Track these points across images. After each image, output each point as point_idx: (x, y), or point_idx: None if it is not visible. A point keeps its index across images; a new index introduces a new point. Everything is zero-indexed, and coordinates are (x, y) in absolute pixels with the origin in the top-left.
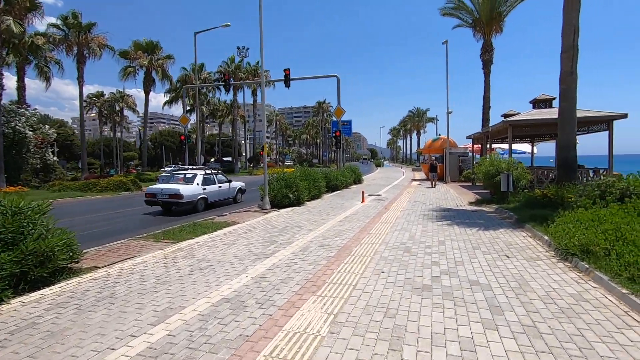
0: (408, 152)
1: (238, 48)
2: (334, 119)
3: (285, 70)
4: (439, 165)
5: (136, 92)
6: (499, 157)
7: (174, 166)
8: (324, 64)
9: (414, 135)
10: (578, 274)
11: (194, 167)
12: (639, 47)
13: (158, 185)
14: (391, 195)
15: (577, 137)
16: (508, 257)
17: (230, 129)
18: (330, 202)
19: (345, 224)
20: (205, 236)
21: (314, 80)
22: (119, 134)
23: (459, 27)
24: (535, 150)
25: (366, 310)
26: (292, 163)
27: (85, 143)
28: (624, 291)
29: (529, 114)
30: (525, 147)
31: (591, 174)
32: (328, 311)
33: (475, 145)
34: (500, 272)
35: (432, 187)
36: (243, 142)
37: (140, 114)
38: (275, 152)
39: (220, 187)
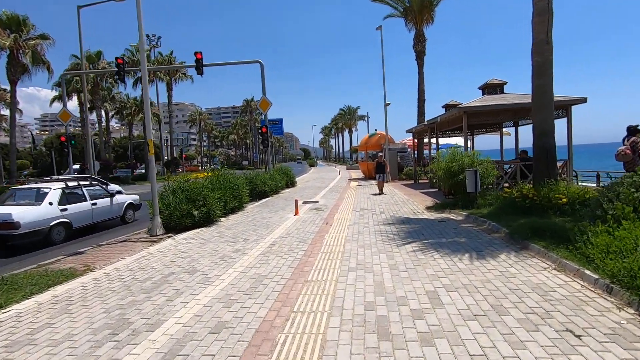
0: (341, 150)
1: (147, 36)
2: (264, 117)
3: (196, 53)
4: (386, 164)
5: (34, 90)
6: (459, 150)
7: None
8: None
9: (346, 133)
10: None
11: (60, 177)
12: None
13: None
14: (331, 201)
15: (525, 127)
16: (579, 337)
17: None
18: (254, 216)
19: (270, 259)
20: None
21: (242, 78)
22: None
23: (390, 17)
24: (470, 144)
25: None
26: (219, 166)
27: None
28: None
29: (483, 99)
30: (460, 140)
31: None
32: None
33: (413, 141)
34: None
35: (379, 192)
36: (162, 144)
37: (42, 114)
38: (200, 155)
39: (94, 204)
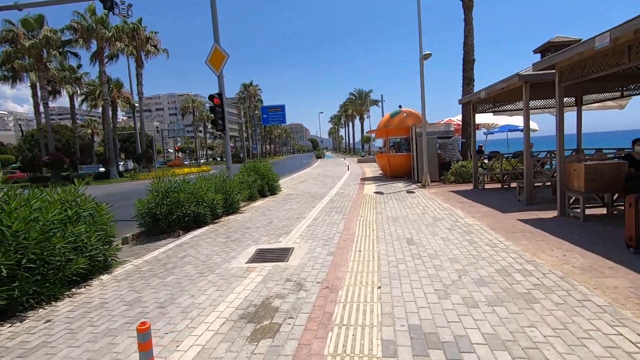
0: (351, 140)
1: (115, 4)
2: (264, 104)
3: None
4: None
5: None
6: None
7: None
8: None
9: (357, 121)
10: None
11: None
12: None
13: None
14: (321, 250)
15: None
16: None
17: (133, 121)
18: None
19: None
20: None
21: (245, 71)
22: None
23: None
24: (534, 127)
25: None
26: (218, 159)
27: None
28: None
29: None
30: (519, 121)
31: None
32: None
33: (464, 118)
34: None
35: None
36: (137, 135)
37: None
38: (196, 147)
39: None
